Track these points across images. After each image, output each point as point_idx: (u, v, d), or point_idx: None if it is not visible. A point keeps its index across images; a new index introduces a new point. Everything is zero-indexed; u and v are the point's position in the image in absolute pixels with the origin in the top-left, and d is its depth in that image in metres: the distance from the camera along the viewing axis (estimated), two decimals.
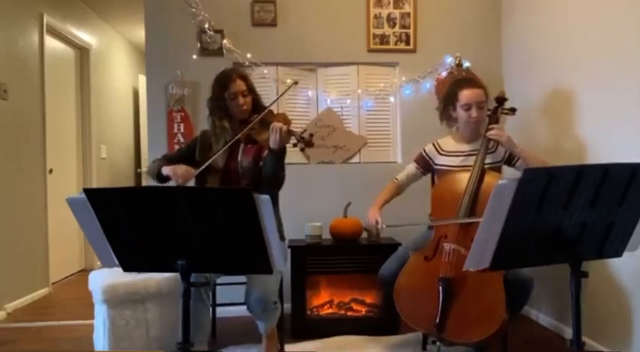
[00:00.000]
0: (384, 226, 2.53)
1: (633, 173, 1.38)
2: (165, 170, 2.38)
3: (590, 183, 1.36)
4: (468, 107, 2.52)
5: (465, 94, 2.53)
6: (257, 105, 2.48)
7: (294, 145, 2.31)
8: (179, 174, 2.34)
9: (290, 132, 2.27)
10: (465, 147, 2.61)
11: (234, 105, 2.41)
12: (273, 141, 2.25)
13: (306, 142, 2.25)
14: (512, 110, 2.64)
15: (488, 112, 2.60)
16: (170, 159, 2.49)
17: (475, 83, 2.62)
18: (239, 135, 2.35)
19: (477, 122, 2.54)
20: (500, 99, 2.63)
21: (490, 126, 2.51)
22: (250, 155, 2.41)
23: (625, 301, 2.47)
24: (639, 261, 2.30)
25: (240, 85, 2.40)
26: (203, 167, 2.34)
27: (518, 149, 2.49)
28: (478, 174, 2.39)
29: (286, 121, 2.33)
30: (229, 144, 2.36)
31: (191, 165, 2.42)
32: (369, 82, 3.64)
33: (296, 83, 2.53)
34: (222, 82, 2.43)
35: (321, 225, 3.09)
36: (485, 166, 2.45)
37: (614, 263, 2.53)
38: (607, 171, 1.36)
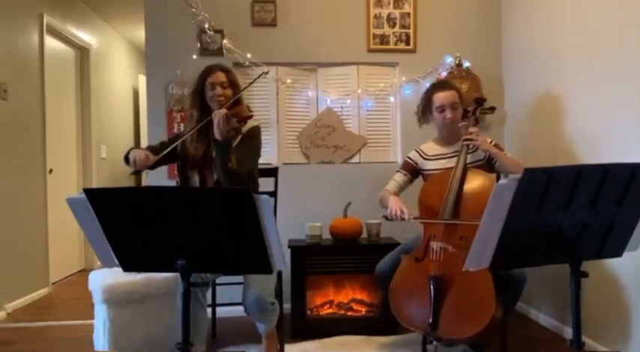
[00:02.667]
0: (412, 218, 2.44)
1: (633, 173, 1.38)
2: (131, 154, 2.35)
3: (590, 183, 1.36)
4: (441, 109, 2.59)
5: (439, 97, 2.60)
6: (236, 100, 2.42)
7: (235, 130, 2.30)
8: (138, 159, 2.31)
9: (228, 120, 2.23)
10: (446, 150, 2.67)
11: (212, 95, 2.39)
12: (215, 129, 2.23)
13: (234, 128, 2.25)
14: (491, 109, 2.76)
15: (468, 113, 2.67)
16: (150, 148, 2.49)
17: (448, 86, 2.68)
18: (199, 126, 2.33)
19: (452, 123, 2.61)
20: (479, 100, 2.73)
21: (468, 130, 2.57)
22: None
23: (625, 301, 2.47)
24: (639, 261, 2.30)
25: (219, 76, 2.40)
26: (161, 155, 2.34)
27: (494, 151, 2.54)
28: (460, 173, 2.44)
29: (237, 113, 2.29)
30: (188, 133, 2.36)
31: (172, 158, 2.44)
32: (369, 82, 3.63)
33: (266, 73, 2.50)
34: (203, 73, 2.44)
35: (321, 225, 3.09)
36: (468, 165, 2.50)
37: (614, 263, 2.53)
38: (607, 171, 1.36)
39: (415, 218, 2.44)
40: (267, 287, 2.21)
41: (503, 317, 2.28)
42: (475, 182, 2.41)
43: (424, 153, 2.72)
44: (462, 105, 2.63)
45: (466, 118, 2.67)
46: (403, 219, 2.43)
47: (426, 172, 2.70)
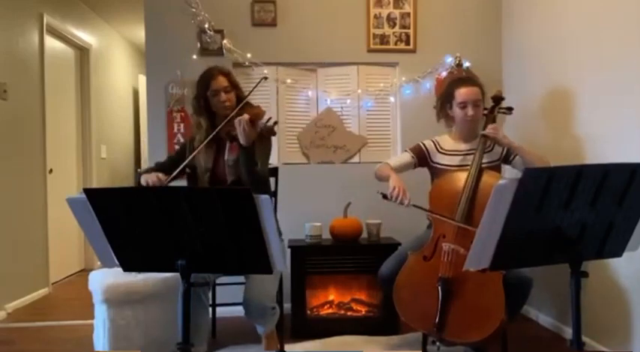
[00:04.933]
0: (412, 205, 2.32)
1: (633, 173, 1.38)
2: (142, 179, 2.35)
3: (590, 183, 1.36)
4: (464, 105, 2.53)
5: (461, 92, 2.53)
6: (240, 101, 2.42)
7: (263, 135, 2.27)
8: (152, 183, 2.29)
9: (253, 124, 2.20)
10: (463, 147, 2.62)
11: (217, 102, 2.38)
12: (239, 136, 2.19)
13: (267, 129, 2.20)
14: (509, 109, 2.67)
15: (485, 111, 2.61)
16: (159, 167, 2.48)
17: (472, 82, 2.62)
18: (212, 135, 2.31)
19: (473, 120, 2.55)
20: (497, 99, 2.64)
21: (489, 126, 2.52)
22: (235, 152, 2.37)
23: (625, 301, 2.47)
24: (639, 261, 2.30)
25: (221, 81, 2.37)
26: (174, 173, 2.31)
27: (515, 145, 2.50)
28: (476, 173, 2.39)
29: (256, 115, 2.26)
30: (203, 143, 2.32)
31: (182, 170, 2.39)
32: (369, 82, 3.63)
33: (266, 78, 2.46)
34: (204, 79, 2.40)
35: (321, 225, 3.09)
36: (483, 165, 2.46)
37: (614, 263, 2.53)
38: (607, 171, 1.36)
39: (415, 206, 2.33)
40: (269, 292, 2.21)
41: (509, 321, 2.26)
42: (490, 184, 2.32)
43: (440, 146, 2.66)
44: (484, 103, 2.57)
45: (483, 116, 2.59)
46: (402, 203, 2.32)
47: (438, 166, 2.63)
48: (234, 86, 2.42)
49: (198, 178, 2.44)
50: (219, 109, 2.40)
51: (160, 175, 2.32)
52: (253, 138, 2.21)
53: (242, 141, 2.19)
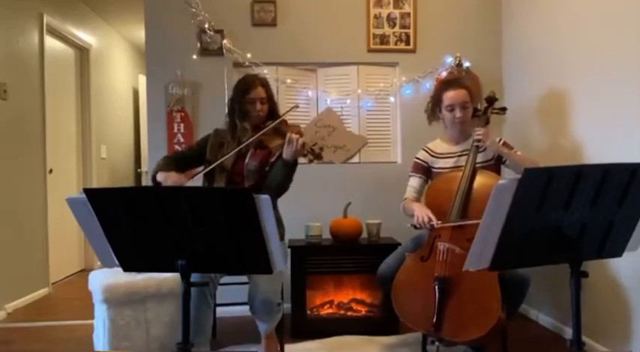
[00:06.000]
0: (440, 224, 2.37)
1: (633, 173, 1.38)
2: (160, 176, 2.44)
3: (590, 183, 1.36)
4: (451, 108, 2.56)
5: (449, 96, 2.56)
6: (272, 113, 2.54)
7: (304, 156, 2.36)
8: (170, 183, 2.38)
9: (304, 145, 2.32)
10: (455, 149, 2.64)
11: (252, 109, 2.48)
12: (288, 152, 2.30)
13: (315, 155, 2.32)
14: (503, 109, 2.69)
15: (479, 112, 2.63)
16: (175, 160, 2.56)
17: (459, 84, 2.63)
18: (251, 139, 2.41)
19: (461, 122, 2.57)
20: (491, 99, 2.66)
21: (477, 129, 2.52)
22: (257, 159, 2.47)
23: (625, 301, 2.47)
24: (639, 261, 2.30)
25: (260, 91, 2.49)
26: (197, 173, 2.42)
27: (505, 151, 2.51)
28: (469, 173, 2.41)
29: (300, 134, 2.39)
30: (240, 147, 2.42)
31: (200, 163, 2.52)
32: (369, 82, 3.63)
33: (297, 107, 2.63)
34: (243, 85, 2.51)
35: (321, 225, 3.09)
36: (477, 165, 2.47)
37: (614, 263, 2.53)
38: (607, 171, 1.36)
39: (443, 224, 2.38)
40: (274, 288, 2.24)
41: (507, 319, 2.27)
42: (484, 183, 2.36)
43: (433, 151, 2.68)
44: (473, 104, 2.59)
45: (476, 117, 2.61)
46: (432, 226, 2.37)
47: (435, 170, 2.66)
48: (269, 98, 2.53)
49: (215, 177, 2.48)
50: (251, 117, 2.49)
51: (181, 176, 2.43)
52: (299, 156, 2.34)
53: (288, 156, 2.31)
